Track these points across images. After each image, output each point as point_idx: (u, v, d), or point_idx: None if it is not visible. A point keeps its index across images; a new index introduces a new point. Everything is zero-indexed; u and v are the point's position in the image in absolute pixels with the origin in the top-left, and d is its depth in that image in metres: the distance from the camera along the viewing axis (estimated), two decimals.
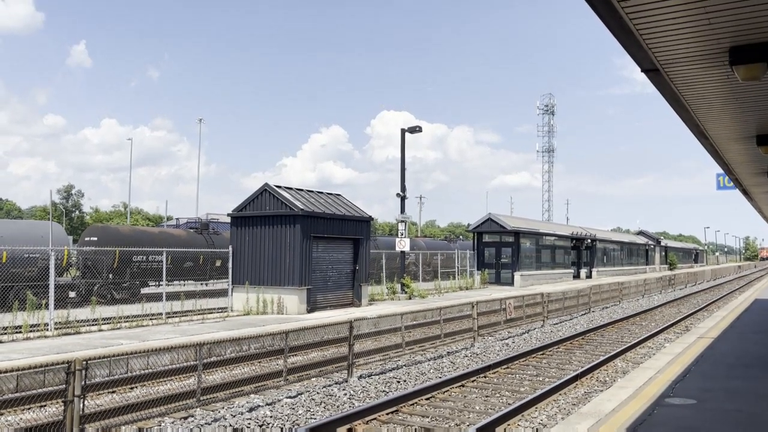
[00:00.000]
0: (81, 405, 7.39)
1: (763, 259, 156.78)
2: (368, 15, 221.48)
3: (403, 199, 28.48)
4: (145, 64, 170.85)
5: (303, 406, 9.60)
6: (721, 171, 17.56)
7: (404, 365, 13.18)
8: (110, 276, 24.54)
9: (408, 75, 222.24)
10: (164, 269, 19.82)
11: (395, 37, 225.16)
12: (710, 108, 9.11)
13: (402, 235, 28.37)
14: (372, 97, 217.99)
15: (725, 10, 5.59)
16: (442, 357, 14.26)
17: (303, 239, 20.13)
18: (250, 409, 9.43)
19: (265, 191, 21.05)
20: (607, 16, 5.75)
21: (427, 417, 9.03)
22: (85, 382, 7.51)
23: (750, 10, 5.59)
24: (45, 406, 9.60)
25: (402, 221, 28.65)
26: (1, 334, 14.59)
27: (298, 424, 8.65)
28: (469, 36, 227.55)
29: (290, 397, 10.20)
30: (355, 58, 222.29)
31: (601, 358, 13.33)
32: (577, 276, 47.46)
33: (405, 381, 11.57)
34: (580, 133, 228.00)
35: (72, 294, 23.32)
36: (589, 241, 49.77)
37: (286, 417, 9.02)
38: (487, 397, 10.34)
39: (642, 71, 7.32)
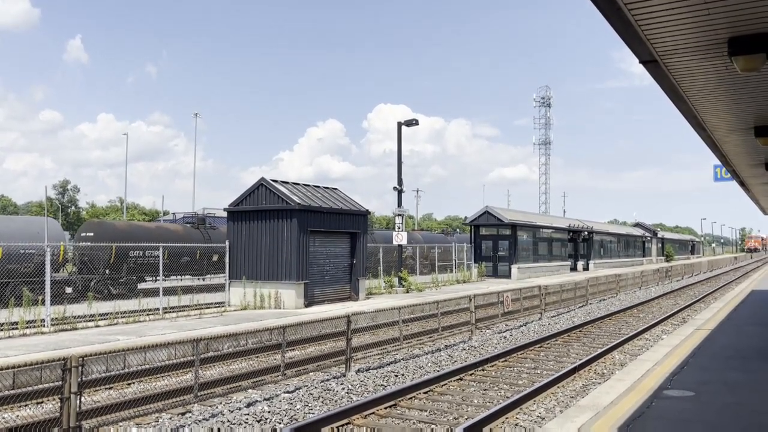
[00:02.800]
0: (78, 402, 7.35)
1: (750, 250, 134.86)
2: (366, 13, 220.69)
3: (400, 192, 28.43)
4: (143, 61, 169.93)
5: (301, 401, 9.58)
6: (718, 162, 17.55)
7: (402, 359, 13.17)
8: (107, 271, 24.47)
9: (405, 70, 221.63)
10: (161, 264, 19.76)
11: (392, 34, 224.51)
12: (708, 99, 9.07)
13: (399, 228, 28.33)
14: (369, 91, 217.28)
15: (724, 0, 5.54)
16: (440, 350, 14.25)
17: (300, 233, 20.09)
18: (248, 405, 9.41)
19: (261, 186, 20.98)
20: (606, 7, 5.70)
21: (426, 411, 9.02)
22: (81, 378, 7.46)
23: (749, 1, 5.55)
24: (42, 402, 9.56)
25: (399, 215, 28.61)
26: None
27: (296, 419, 8.63)
28: (468, 31, 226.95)
29: (288, 392, 10.19)
30: (352, 53, 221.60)
31: (599, 351, 13.34)
32: (574, 268, 47.54)
33: (403, 375, 11.56)
34: (577, 127, 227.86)
35: (68, 290, 23.25)
36: (586, 233, 49.83)
37: (284, 412, 9.00)
38: (485, 390, 10.34)
39: (640, 62, 7.28)
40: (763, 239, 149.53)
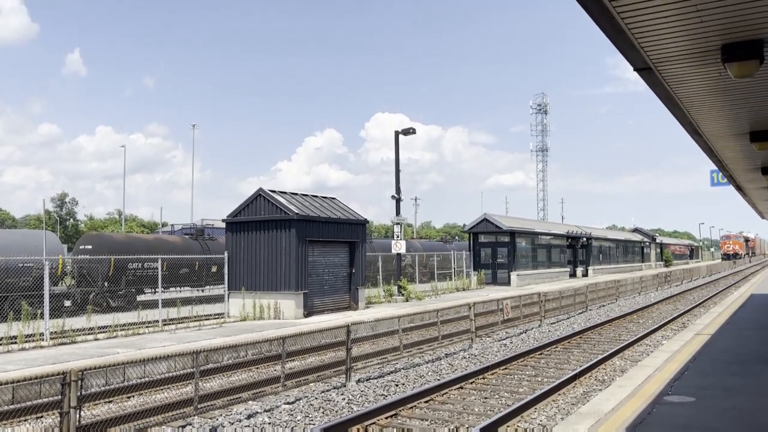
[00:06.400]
0: (77, 416, 7.33)
1: (727, 256, 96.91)
2: (364, 18, 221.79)
3: (398, 201, 28.46)
4: (140, 73, 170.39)
5: (301, 412, 9.55)
6: (715, 168, 17.61)
7: (402, 368, 13.14)
8: (105, 284, 24.41)
9: (402, 77, 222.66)
10: (160, 276, 19.73)
11: (389, 39, 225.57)
12: (703, 105, 9.12)
13: (398, 237, 28.34)
14: (366, 99, 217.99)
15: (717, 7, 5.59)
16: (441, 359, 14.23)
17: (298, 243, 20.08)
18: (248, 416, 9.38)
19: (259, 196, 21.00)
20: (599, 15, 5.75)
21: (427, 420, 9.00)
22: (80, 392, 7.45)
23: (741, 8, 5.60)
24: (41, 417, 9.53)
25: (397, 223, 28.62)
26: None
27: (296, 431, 8.60)
28: (464, 38, 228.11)
29: (288, 403, 10.16)
30: (349, 60, 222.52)
31: (599, 357, 13.32)
32: (573, 275, 47.52)
33: (403, 384, 11.54)
34: (574, 132, 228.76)
35: (67, 303, 23.19)
36: (584, 239, 49.84)
37: (285, 423, 8.97)
38: (486, 398, 10.32)
39: (635, 70, 7.32)
40: (747, 241, 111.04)
